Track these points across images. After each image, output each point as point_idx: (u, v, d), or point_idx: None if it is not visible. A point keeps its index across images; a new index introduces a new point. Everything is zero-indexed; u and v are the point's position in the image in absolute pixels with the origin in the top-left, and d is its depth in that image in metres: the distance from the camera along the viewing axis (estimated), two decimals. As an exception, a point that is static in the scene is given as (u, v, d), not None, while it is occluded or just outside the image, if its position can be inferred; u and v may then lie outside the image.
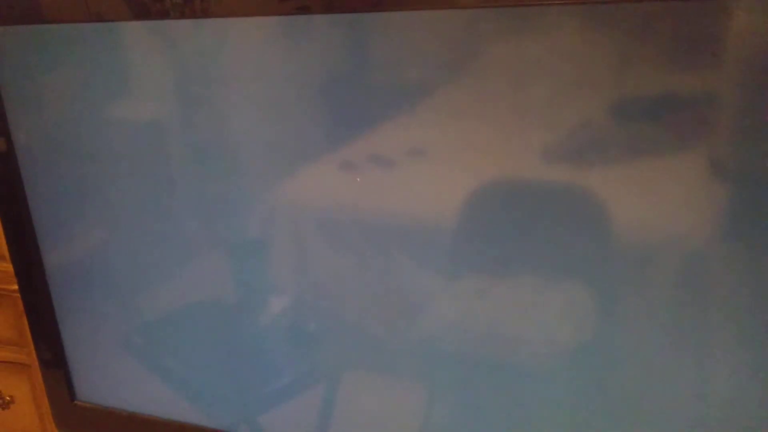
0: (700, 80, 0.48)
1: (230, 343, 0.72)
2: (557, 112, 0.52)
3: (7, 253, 0.80)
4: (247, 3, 0.57)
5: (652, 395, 0.57)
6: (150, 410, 0.79)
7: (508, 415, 0.62)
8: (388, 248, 0.61)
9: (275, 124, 0.61)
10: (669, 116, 0.49)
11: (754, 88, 0.47)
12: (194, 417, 0.77)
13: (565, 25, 0.49)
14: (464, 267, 0.60)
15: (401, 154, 0.57)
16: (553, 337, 0.58)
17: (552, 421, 0.61)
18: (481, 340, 0.61)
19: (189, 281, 0.71)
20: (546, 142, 0.53)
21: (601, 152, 0.52)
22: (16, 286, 0.83)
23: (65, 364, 0.82)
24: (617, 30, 0.48)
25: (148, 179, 0.68)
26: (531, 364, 0.60)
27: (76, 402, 0.84)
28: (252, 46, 0.60)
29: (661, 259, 0.53)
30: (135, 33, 0.63)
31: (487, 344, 0.61)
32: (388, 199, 0.60)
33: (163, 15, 0.60)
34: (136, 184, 0.69)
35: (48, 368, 0.84)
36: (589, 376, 0.58)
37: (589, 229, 0.54)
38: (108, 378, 0.81)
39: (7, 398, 1.09)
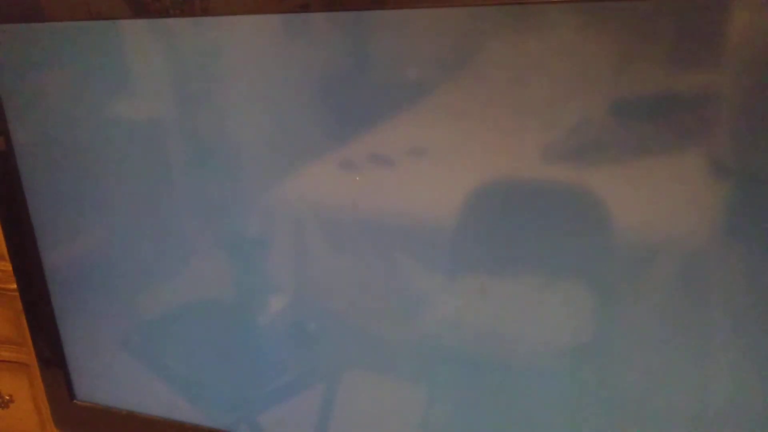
0: (700, 79, 0.48)
1: (229, 342, 0.72)
2: (557, 111, 0.51)
3: (6, 252, 0.80)
4: (247, 1, 0.57)
5: (652, 394, 0.56)
6: (149, 410, 0.79)
7: (508, 414, 0.62)
8: (388, 247, 0.61)
9: (275, 123, 0.61)
10: (669, 115, 0.49)
11: (755, 87, 0.47)
12: (194, 416, 0.77)
13: (566, 23, 0.49)
14: (464, 266, 0.59)
15: (401, 153, 0.57)
16: (553, 337, 0.58)
17: (552, 421, 0.61)
18: (482, 339, 0.61)
19: (188, 280, 0.71)
20: (546, 141, 0.53)
21: (601, 151, 0.52)
22: (15, 286, 0.83)
23: (64, 363, 0.82)
24: (618, 29, 0.48)
25: (147, 178, 0.68)
26: (531, 363, 0.60)
27: (75, 401, 0.84)
28: (252, 45, 0.60)
29: (661, 259, 0.53)
30: (135, 31, 0.63)
31: (487, 343, 0.61)
32: (389, 198, 0.59)
33: (163, 13, 0.60)
34: (135, 183, 0.69)
35: (47, 367, 0.83)
36: (589, 375, 0.58)
37: (589, 229, 0.54)
38: (107, 377, 0.81)
39: (7, 398, 1.09)
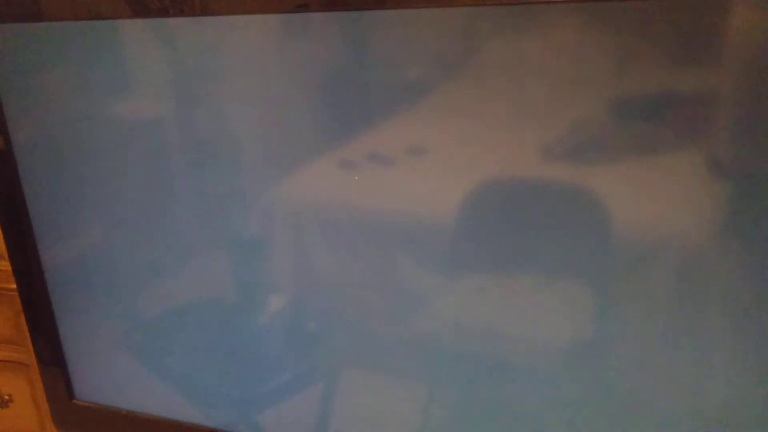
0: (699, 79, 0.48)
1: (229, 341, 0.72)
2: (556, 110, 0.51)
3: (5, 252, 0.80)
4: (246, 1, 0.57)
5: (651, 394, 0.56)
6: (148, 409, 0.79)
7: (508, 413, 0.62)
8: (388, 247, 0.61)
9: (275, 122, 0.61)
10: (668, 114, 0.49)
11: (754, 87, 0.47)
12: (193, 416, 0.77)
13: (565, 23, 0.49)
14: (463, 265, 0.60)
15: (400, 153, 0.57)
16: (552, 336, 0.58)
17: (551, 420, 0.61)
18: (480, 338, 0.61)
19: (187, 280, 0.71)
20: (545, 140, 0.53)
21: (601, 151, 0.52)
22: (14, 285, 0.83)
23: (64, 363, 0.82)
24: (617, 28, 0.48)
25: (146, 178, 0.68)
26: (530, 362, 0.60)
27: (74, 401, 0.83)
28: (252, 44, 0.60)
29: (660, 258, 0.53)
30: (135, 31, 0.63)
31: (486, 342, 0.61)
32: (388, 197, 0.60)
33: (163, 13, 0.60)
34: (134, 182, 0.69)
35: (46, 367, 0.83)
36: (588, 374, 0.58)
37: (588, 228, 0.54)
38: (106, 377, 0.81)
39: (6, 397, 1.09)
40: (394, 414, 0.67)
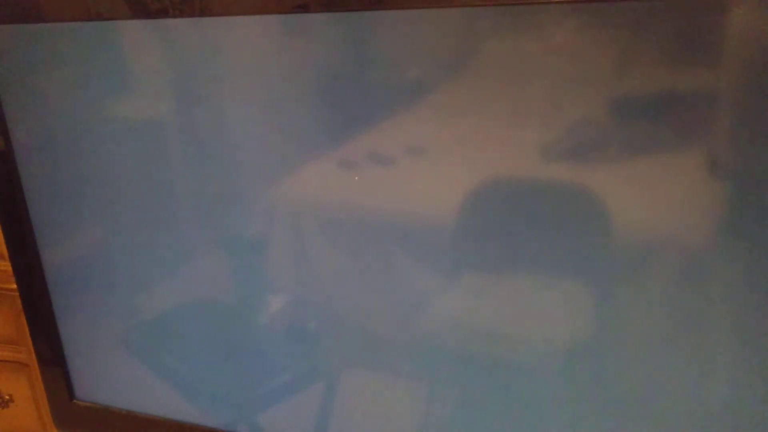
0: (699, 78, 0.48)
1: (228, 341, 0.72)
2: (556, 110, 0.52)
3: (5, 252, 0.80)
4: (246, 1, 0.57)
5: (651, 394, 0.57)
6: (149, 409, 0.79)
7: (509, 413, 0.62)
8: (388, 246, 0.61)
9: (274, 122, 0.61)
10: (668, 114, 0.49)
11: (754, 86, 0.47)
12: (193, 416, 0.77)
13: (564, 23, 0.49)
14: (463, 265, 0.60)
15: (400, 152, 0.57)
16: (552, 335, 0.58)
17: (552, 420, 0.61)
18: (481, 337, 0.61)
19: (188, 280, 0.71)
20: (545, 140, 0.53)
21: (600, 150, 0.52)
22: (14, 285, 0.83)
23: (64, 363, 0.82)
24: (616, 28, 0.48)
25: (146, 178, 0.68)
26: (531, 362, 0.60)
27: (75, 401, 0.84)
28: (251, 45, 0.60)
29: (661, 258, 0.53)
30: (135, 31, 0.63)
31: (486, 342, 0.61)
32: (387, 196, 0.60)
33: (163, 14, 0.60)
34: (134, 182, 0.69)
35: (47, 367, 0.84)
36: (589, 374, 0.58)
37: (588, 227, 0.54)
38: (107, 377, 0.81)
39: (6, 397, 1.09)
40: (395, 414, 0.68)
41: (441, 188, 0.57)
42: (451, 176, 0.56)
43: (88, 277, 0.76)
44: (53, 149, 0.71)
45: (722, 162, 0.49)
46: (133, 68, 0.64)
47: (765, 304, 0.51)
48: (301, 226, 0.65)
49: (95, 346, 0.80)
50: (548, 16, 0.50)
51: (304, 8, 0.56)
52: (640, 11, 0.47)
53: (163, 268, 0.72)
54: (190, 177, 0.66)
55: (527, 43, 0.51)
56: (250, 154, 0.64)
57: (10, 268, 0.80)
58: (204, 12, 0.59)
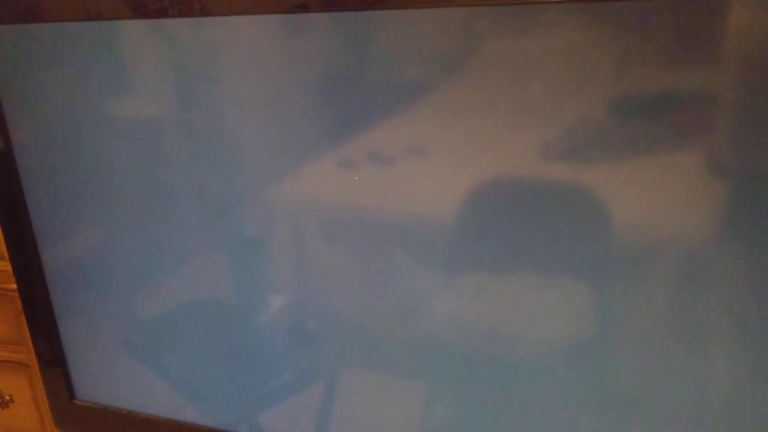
0: (699, 78, 0.48)
1: (229, 341, 0.72)
2: (556, 109, 0.51)
3: (5, 252, 0.80)
4: (246, 1, 0.57)
5: (652, 393, 0.56)
6: (149, 409, 0.79)
7: (508, 412, 0.62)
8: (388, 246, 0.61)
9: (274, 122, 0.61)
10: (668, 114, 0.49)
11: (754, 86, 0.47)
12: (193, 416, 0.77)
13: (564, 22, 0.49)
14: (464, 264, 0.60)
15: (400, 152, 0.57)
16: (552, 335, 0.58)
17: (552, 419, 0.61)
18: (481, 337, 0.61)
19: (188, 280, 0.71)
20: (545, 139, 0.53)
21: (601, 150, 0.52)
22: (14, 285, 0.83)
23: (64, 363, 0.82)
24: (616, 27, 0.48)
25: (146, 178, 0.68)
26: (531, 362, 0.60)
27: (75, 401, 0.84)
28: (251, 45, 0.60)
29: (661, 257, 0.53)
30: (134, 31, 0.63)
31: (486, 342, 0.61)
32: (387, 196, 0.60)
33: (162, 13, 0.60)
34: (135, 182, 0.69)
35: (47, 367, 0.84)
36: (588, 373, 0.58)
37: (588, 227, 0.54)
38: (107, 377, 0.81)
39: (7, 397, 1.09)
40: (395, 414, 0.68)
41: (441, 188, 0.57)
42: (451, 176, 0.56)
43: (88, 277, 0.76)
44: (53, 149, 0.71)
45: (723, 161, 0.49)
46: (133, 68, 0.64)
47: (765, 303, 0.51)
48: (301, 226, 0.65)
49: (95, 346, 0.80)
50: (548, 16, 0.50)
51: (303, 8, 0.56)
52: (640, 11, 0.47)
53: (163, 268, 0.72)
54: (190, 177, 0.66)
55: (527, 42, 0.51)
56: (250, 154, 0.64)
57: (10, 268, 0.80)
58: (203, 12, 0.59)
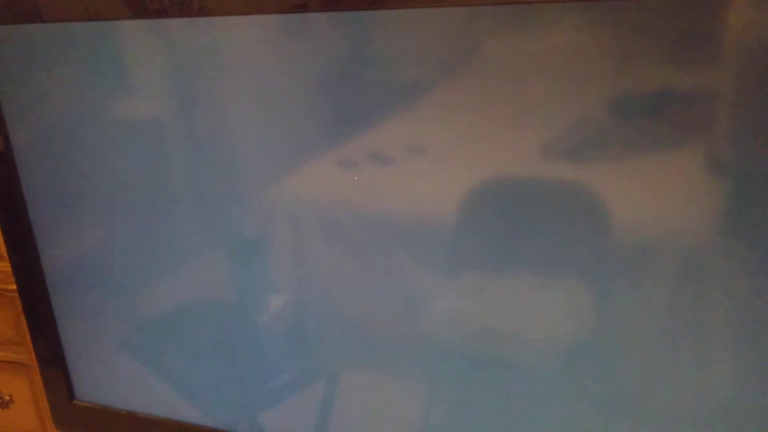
0: (698, 77, 0.48)
1: (229, 341, 0.72)
2: (556, 109, 0.52)
3: (5, 253, 0.80)
4: (245, 1, 0.57)
5: (651, 393, 0.56)
6: (149, 409, 0.79)
7: (509, 412, 0.62)
8: (387, 245, 0.61)
9: (274, 122, 0.61)
10: (668, 113, 0.49)
11: (753, 85, 0.47)
12: (193, 416, 0.77)
13: (564, 21, 0.49)
14: (463, 264, 0.60)
15: (400, 152, 0.57)
16: (552, 334, 0.58)
17: (551, 419, 0.61)
18: (481, 336, 0.61)
19: (187, 280, 0.71)
20: (545, 139, 0.53)
21: (600, 149, 0.52)
22: (14, 286, 0.83)
23: (64, 363, 0.82)
24: (616, 27, 0.48)
25: (146, 178, 0.68)
26: (531, 361, 0.60)
27: (75, 401, 0.84)
28: (250, 45, 0.60)
29: (660, 256, 0.53)
30: (134, 31, 0.63)
31: (486, 341, 0.61)
32: (387, 196, 0.60)
33: (162, 14, 0.60)
34: (134, 182, 0.69)
35: (47, 368, 0.84)
36: (588, 373, 0.58)
37: (588, 226, 0.54)
38: (107, 377, 0.81)
39: (7, 398, 1.09)
40: (395, 413, 0.68)
41: (441, 187, 0.57)
42: (451, 175, 0.56)
43: (87, 278, 0.76)
44: (53, 149, 0.71)
45: (723, 161, 0.49)
46: (133, 68, 0.64)
47: (765, 303, 0.51)
48: (301, 226, 0.65)
49: (95, 346, 0.80)
50: (548, 16, 0.50)
51: (303, 8, 0.56)
52: (640, 10, 0.47)
53: (163, 268, 0.72)
54: (190, 177, 0.66)
55: (527, 42, 0.51)
56: (250, 154, 0.64)
57: (9, 268, 0.80)
58: (203, 11, 0.59)
